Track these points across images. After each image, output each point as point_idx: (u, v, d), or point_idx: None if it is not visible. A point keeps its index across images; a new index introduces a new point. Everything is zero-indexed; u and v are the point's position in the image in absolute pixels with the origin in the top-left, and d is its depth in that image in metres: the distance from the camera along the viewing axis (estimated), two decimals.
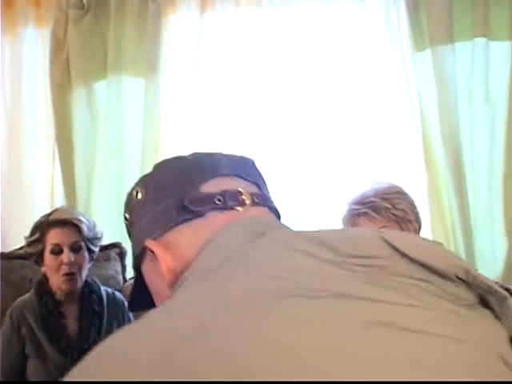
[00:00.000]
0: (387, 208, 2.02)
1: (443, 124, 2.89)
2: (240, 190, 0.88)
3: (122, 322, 2.43)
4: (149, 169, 3.02)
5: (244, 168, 0.94)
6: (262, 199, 0.92)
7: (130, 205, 0.95)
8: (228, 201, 0.86)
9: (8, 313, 2.34)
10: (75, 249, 2.29)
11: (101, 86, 3.29)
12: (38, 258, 2.33)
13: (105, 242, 2.97)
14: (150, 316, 0.66)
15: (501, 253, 2.87)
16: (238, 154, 0.98)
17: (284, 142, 3.13)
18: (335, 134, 3.15)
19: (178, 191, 0.88)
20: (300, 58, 3.12)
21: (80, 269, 2.30)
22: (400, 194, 2.09)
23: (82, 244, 2.31)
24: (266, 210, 0.92)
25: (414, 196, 2.16)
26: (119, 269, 3.04)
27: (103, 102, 3.27)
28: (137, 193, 0.93)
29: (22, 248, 2.47)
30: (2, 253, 2.98)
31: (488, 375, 0.60)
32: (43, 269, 2.34)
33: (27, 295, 2.39)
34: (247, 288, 0.66)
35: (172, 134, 3.24)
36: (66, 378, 0.61)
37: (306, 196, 3.14)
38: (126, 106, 3.25)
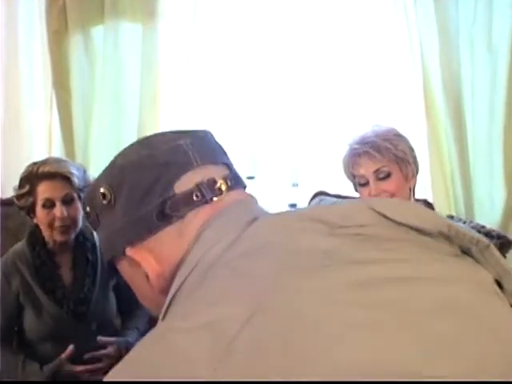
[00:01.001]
0: (388, 148, 2.04)
1: (444, 71, 2.87)
2: (214, 178, 0.88)
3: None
4: (146, 116, 3.03)
5: (207, 149, 0.92)
6: (235, 180, 0.92)
7: (95, 205, 0.91)
8: (206, 194, 0.86)
9: (1, 264, 2.32)
10: (67, 201, 2.25)
11: (98, 32, 3.25)
12: (30, 210, 2.30)
13: None
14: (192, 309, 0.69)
15: (499, 201, 2.87)
16: (193, 127, 1.00)
17: (285, 87, 3.12)
18: (336, 81, 3.12)
19: (153, 198, 0.85)
20: (302, 3, 3.08)
21: (74, 221, 2.28)
22: (399, 136, 2.11)
23: (75, 195, 2.27)
24: (241, 191, 0.93)
25: (414, 143, 2.17)
26: None
27: (101, 48, 3.23)
28: (103, 195, 0.89)
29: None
30: (1, 199, 2.97)
31: (489, 309, 0.68)
32: (35, 220, 2.30)
33: (19, 245, 2.38)
34: (273, 268, 0.69)
35: (170, 81, 3.21)
36: (118, 373, 0.66)
37: (306, 142, 3.13)
38: (124, 53, 3.21)
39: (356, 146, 2.09)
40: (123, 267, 0.92)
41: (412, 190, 2.14)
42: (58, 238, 2.27)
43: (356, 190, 2.20)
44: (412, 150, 2.12)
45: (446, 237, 0.75)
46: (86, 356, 2.23)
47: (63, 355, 2.20)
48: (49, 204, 2.24)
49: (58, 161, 2.36)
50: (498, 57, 2.85)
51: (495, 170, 2.87)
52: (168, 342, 0.64)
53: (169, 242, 0.85)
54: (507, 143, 2.84)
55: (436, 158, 2.89)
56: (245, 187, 0.95)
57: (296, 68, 3.10)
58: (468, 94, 2.87)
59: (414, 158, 2.13)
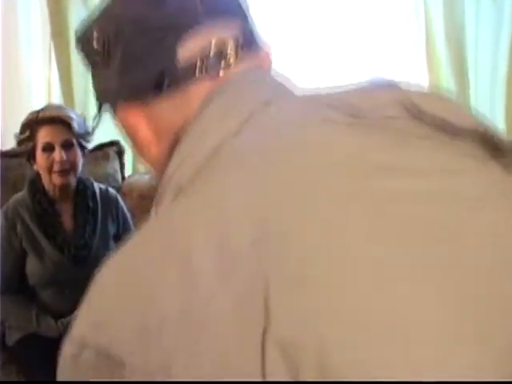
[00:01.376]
0: None
1: (448, 24, 2.84)
2: (224, 40, 0.74)
3: (115, 216, 2.45)
4: None
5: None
6: (248, 42, 0.77)
7: (86, 46, 0.79)
8: (211, 66, 0.73)
9: (2, 211, 2.35)
10: (67, 146, 2.26)
11: None
12: (30, 156, 2.32)
13: (103, 140, 2.97)
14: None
15: None
16: None
17: (285, 37, 3.08)
18: (337, 33, 3.09)
19: (151, 63, 0.74)
20: None
21: (73, 165, 2.29)
22: None
23: (74, 141, 2.28)
24: (255, 56, 0.78)
25: None
26: (117, 167, 3.03)
27: None
28: (98, 40, 0.77)
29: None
30: (1, 151, 2.97)
31: None
32: (35, 167, 2.32)
33: (20, 194, 2.40)
34: (286, 178, 0.60)
35: None
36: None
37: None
38: None
39: None
40: (121, 118, 0.81)
41: None
42: (57, 181, 2.29)
43: None
44: None
45: (481, 139, 0.66)
46: None
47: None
48: (48, 148, 2.25)
49: (58, 107, 2.42)
50: (504, 9, 2.81)
51: (497, 125, 2.85)
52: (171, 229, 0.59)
53: (164, 114, 0.76)
54: (509, 98, 2.83)
55: None
56: (260, 48, 0.79)
57: (297, 23, 3.07)
58: (471, 47, 2.85)
59: None
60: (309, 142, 0.63)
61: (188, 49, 0.73)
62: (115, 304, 0.59)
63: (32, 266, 2.32)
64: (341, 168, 0.60)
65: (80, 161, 2.32)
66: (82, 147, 2.33)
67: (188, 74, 0.73)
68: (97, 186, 2.45)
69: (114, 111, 0.81)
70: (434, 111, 0.65)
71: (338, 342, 0.51)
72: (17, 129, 2.36)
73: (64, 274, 2.31)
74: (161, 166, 0.76)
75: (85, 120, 2.37)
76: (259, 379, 0.50)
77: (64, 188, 2.32)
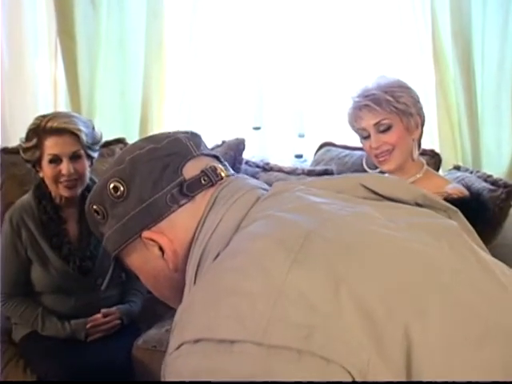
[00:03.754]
0: (388, 101, 2.04)
1: (454, 20, 2.82)
2: (214, 165, 1.02)
3: None
4: (152, 63, 2.97)
5: (201, 144, 1.06)
6: (228, 169, 1.05)
7: (106, 199, 1.01)
8: (212, 178, 0.99)
9: (7, 216, 2.33)
10: (74, 158, 2.23)
11: None
12: (36, 164, 2.29)
13: (108, 137, 2.96)
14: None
15: (507, 150, 2.86)
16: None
17: (291, 36, 3.08)
18: (344, 30, 3.09)
19: (163, 183, 0.98)
20: None
21: (80, 177, 2.26)
22: (403, 87, 2.11)
23: (82, 152, 2.25)
24: (242, 175, 1.08)
25: (422, 93, 2.15)
26: None
27: None
28: (115, 188, 0.99)
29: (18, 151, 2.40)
30: (5, 148, 2.97)
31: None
32: (41, 174, 2.29)
33: (25, 197, 2.37)
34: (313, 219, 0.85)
35: (176, 27, 3.18)
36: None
37: (313, 93, 3.11)
38: None
39: (357, 99, 2.10)
40: (135, 253, 1.02)
41: (417, 142, 2.13)
42: (64, 193, 2.27)
43: (361, 143, 2.19)
44: (417, 101, 2.11)
45: (420, 205, 0.97)
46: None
47: (88, 322, 2.28)
48: (55, 160, 2.22)
49: (66, 116, 2.33)
50: (511, 4, 2.79)
51: (503, 120, 2.85)
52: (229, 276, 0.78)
53: (181, 222, 0.97)
54: None
55: (444, 107, 2.86)
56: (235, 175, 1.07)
57: (303, 17, 3.06)
58: (478, 41, 2.82)
59: (419, 109, 2.12)
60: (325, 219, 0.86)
61: (190, 169, 0.99)
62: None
63: (37, 274, 2.32)
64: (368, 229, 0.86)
65: (87, 171, 2.29)
66: (90, 157, 2.30)
67: (195, 185, 0.98)
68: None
69: (122, 257, 1.04)
70: (384, 191, 0.97)
71: None
72: (22, 125, 2.33)
73: (69, 283, 2.31)
74: (178, 269, 0.98)
75: (93, 128, 2.33)
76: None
77: (71, 197, 2.30)
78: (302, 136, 3.19)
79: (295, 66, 3.09)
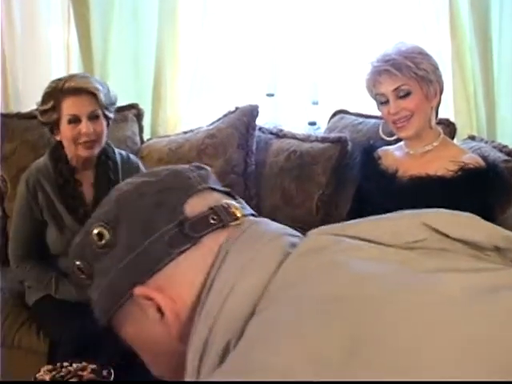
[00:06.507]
0: (409, 66, 2.02)
1: None
2: (227, 202, 0.80)
3: None
4: (166, 28, 2.94)
5: (208, 177, 0.84)
6: (245, 207, 0.83)
7: (89, 251, 0.79)
8: (223, 217, 0.77)
9: (23, 178, 2.35)
10: (93, 118, 2.24)
11: None
12: (53, 127, 2.29)
13: (121, 103, 2.96)
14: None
15: None
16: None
17: (306, 2, 3.04)
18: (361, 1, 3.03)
19: (159, 224, 0.76)
20: None
21: (99, 137, 2.27)
22: (423, 54, 2.09)
23: (100, 112, 2.26)
24: (257, 218, 0.84)
25: (438, 62, 2.13)
26: (136, 130, 3.03)
27: None
28: (100, 236, 0.78)
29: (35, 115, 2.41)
30: (19, 113, 2.98)
31: None
32: (59, 137, 2.30)
33: (41, 160, 2.38)
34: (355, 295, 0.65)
35: None
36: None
37: (327, 60, 3.08)
38: None
39: (377, 64, 2.08)
40: (129, 319, 0.80)
41: (435, 109, 2.12)
42: (83, 153, 2.27)
43: (378, 109, 2.17)
44: (436, 68, 2.10)
45: (499, 249, 0.73)
46: None
47: None
48: (74, 120, 2.23)
49: (83, 76, 2.35)
50: None
51: None
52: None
53: (183, 273, 0.75)
54: None
55: (459, 76, 2.83)
56: (255, 216, 0.85)
57: None
58: (496, 9, 2.77)
59: (438, 76, 2.10)
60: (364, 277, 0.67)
61: (194, 206, 0.77)
62: None
63: (52, 236, 2.34)
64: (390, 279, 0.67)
65: (105, 132, 2.30)
66: (107, 118, 2.31)
67: (201, 223, 0.76)
68: (118, 153, 2.42)
69: (117, 329, 0.83)
70: (452, 232, 0.73)
71: None
72: (36, 91, 2.33)
73: None
74: (182, 338, 0.75)
75: (109, 90, 2.33)
76: None
77: (87, 159, 2.32)
78: (315, 103, 3.17)
79: (310, 33, 3.06)
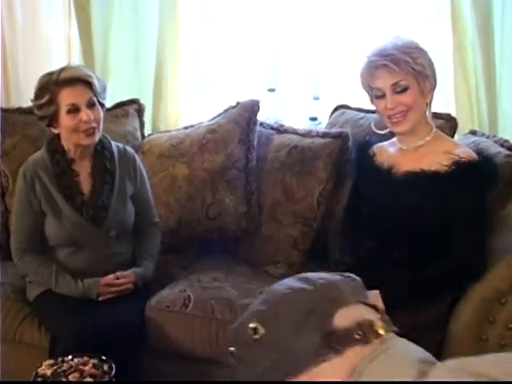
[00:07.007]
0: (407, 61, 2.03)
1: None
2: (372, 320, 0.88)
3: (133, 176, 2.46)
4: (167, 23, 2.93)
5: (359, 289, 0.94)
6: (390, 324, 0.92)
7: (241, 341, 0.92)
8: (367, 334, 0.86)
9: (21, 171, 2.38)
10: (91, 105, 2.28)
11: None
12: (52, 120, 2.32)
13: (122, 98, 2.96)
14: None
15: None
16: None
17: None
18: None
19: (309, 329, 0.86)
20: None
21: (98, 123, 2.31)
22: (419, 49, 2.11)
23: (95, 99, 2.30)
24: (401, 340, 0.91)
25: (439, 56, 2.13)
26: (137, 125, 3.03)
27: None
28: (255, 330, 0.89)
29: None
30: (20, 108, 2.97)
31: None
32: (57, 130, 2.33)
33: (38, 153, 2.41)
34: None
35: None
36: None
37: (328, 55, 3.07)
38: None
39: (374, 58, 2.08)
40: None
41: (428, 105, 2.12)
42: (85, 141, 2.30)
43: (372, 103, 2.18)
44: (431, 63, 2.11)
45: None
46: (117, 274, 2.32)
47: (101, 280, 2.29)
48: (74, 109, 2.26)
49: (74, 67, 2.41)
50: None
51: None
52: None
53: (319, 378, 0.85)
54: None
55: (461, 70, 2.81)
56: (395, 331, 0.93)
57: None
58: (498, 4, 2.76)
59: (433, 72, 2.11)
60: None
61: (340, 318, 0.86)
62: None
63: (51, 226, 2.35)
64: None
65: (102, 119, 2.33)
66: (102, 105, 2.35)
67: (346, 337, 0.85)
68: (114, 145, 2.46)
69: None
70: None
71: None
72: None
73: (82, 235, 2.34)
74: None
75: (98, 78, 2.38)
76: None
77: (87, 147, 2.34)
78: (316, 98, 3.16)
79: (310, 28, 3.05)
